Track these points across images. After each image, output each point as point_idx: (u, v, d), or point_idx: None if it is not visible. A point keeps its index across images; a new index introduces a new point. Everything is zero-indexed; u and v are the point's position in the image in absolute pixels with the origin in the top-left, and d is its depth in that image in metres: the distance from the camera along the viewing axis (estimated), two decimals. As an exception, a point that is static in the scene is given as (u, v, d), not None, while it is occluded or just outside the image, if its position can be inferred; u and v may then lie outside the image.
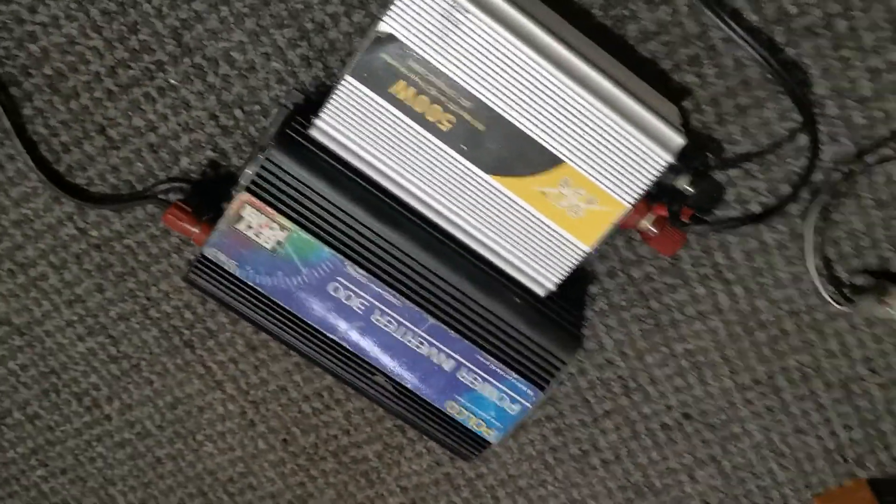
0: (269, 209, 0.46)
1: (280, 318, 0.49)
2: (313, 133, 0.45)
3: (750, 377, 0.57)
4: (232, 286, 0.49)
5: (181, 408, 0.62)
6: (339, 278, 0.48)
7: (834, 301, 0.52)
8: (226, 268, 0.48)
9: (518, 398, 0.50)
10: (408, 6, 0.42)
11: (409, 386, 0.51)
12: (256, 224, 0.47)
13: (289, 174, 0.46)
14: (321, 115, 0.45)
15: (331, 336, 0.49)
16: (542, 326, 0.49)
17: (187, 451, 0.64)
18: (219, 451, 0.64)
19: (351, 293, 0.48)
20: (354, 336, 0.49)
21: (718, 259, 0.53)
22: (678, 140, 0.44)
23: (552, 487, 0.63)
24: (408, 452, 0.62)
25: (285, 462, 0.64)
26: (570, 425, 0.60)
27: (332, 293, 0.48)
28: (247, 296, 0.49)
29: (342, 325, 0.49)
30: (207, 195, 0.53)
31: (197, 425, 0.63)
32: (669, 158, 0.44)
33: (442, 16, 0.42)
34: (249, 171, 0.46)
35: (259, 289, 0.48)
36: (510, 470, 0.62)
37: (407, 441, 0.62)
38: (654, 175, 0.44)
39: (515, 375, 0.50)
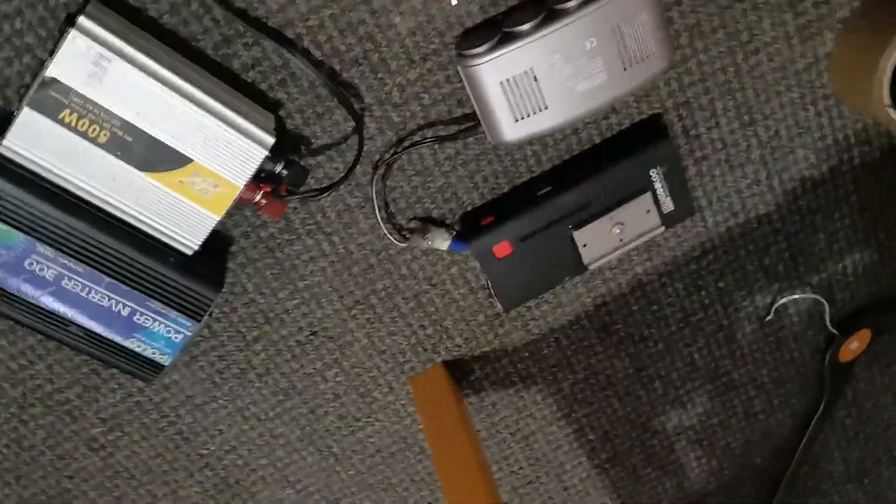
0: (-29, 208, 0.62)
1: (-12, 290, 0.65)
2: (4, 149, 0.62)
3: (352, 299, 0.80)
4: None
5: None
6: (33, 256, 0.64)
7: (395, 241, 0.77)
8: (-61, 255, 0.63)
9: (180, 330, 0.70)
10: (67, 56, 0.59)
11: (98, 331, 0.68)
12: (-38, 220, 0.62)
13: (-15, 181, 0.62)
14: (8, 135, 0.61)
15: (31, 301, 0.66)
16: (192, 276, 0.69)
17: None
18: (-63, 411, 0.77)
19: (44, 266, 0.65)
20: (50, 299, 0.66)
21: (319, 218, 0.76)
22: (269, 139, 0.65)
23: (222, 401, 0.83)
24: (103, 390, 0.80)
25: (-1, 413, 0.78)
26: (228, 351, 0.80)
27: (28, 267, 0.65)
28: (-42, 275, 0.64)
29: (40, 292, 0.66)
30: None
31: (-87, 394, 0.76)
32: (265, 152, 0.65)
33: (93, 62, 0.60)
34: (-48, 181, 0.62)
35: (-32, 269, 0.64)
36: (187, 392, 0.82)
37: (102, 381, 0.79)
38: (256, 164, 0.65)
39: (175, 313, 0.69)
